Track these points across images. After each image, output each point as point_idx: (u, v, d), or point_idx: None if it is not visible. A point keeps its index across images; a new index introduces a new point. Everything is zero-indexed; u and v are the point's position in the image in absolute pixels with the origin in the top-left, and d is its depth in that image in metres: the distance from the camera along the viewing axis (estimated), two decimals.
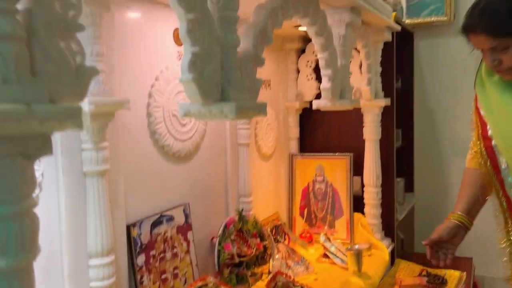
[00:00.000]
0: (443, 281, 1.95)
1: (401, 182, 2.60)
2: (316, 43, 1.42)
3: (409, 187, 2.78)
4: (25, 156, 0.51)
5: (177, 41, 1.52)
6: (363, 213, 2.18)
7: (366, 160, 2.12)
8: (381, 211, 2.15)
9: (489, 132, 1.28)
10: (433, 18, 2.58)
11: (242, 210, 1.72)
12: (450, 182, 2.74)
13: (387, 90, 2.13)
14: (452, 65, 2.62)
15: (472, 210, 1.35)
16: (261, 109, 0.96)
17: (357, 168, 2.19)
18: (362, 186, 2.19)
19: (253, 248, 1.69)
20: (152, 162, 1.43)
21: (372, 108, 2.05)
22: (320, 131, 2.35)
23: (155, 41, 1.43)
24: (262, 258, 1.80)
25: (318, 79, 2.22)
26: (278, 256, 1.77)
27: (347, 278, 1.74)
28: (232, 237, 1.63)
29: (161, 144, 1.45)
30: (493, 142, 1.27)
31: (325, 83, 1.49)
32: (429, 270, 2.08)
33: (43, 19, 0.55)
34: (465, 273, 2.10)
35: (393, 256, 2.22)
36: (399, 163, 2.46)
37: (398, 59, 2.30)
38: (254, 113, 0.94)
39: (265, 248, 1.80)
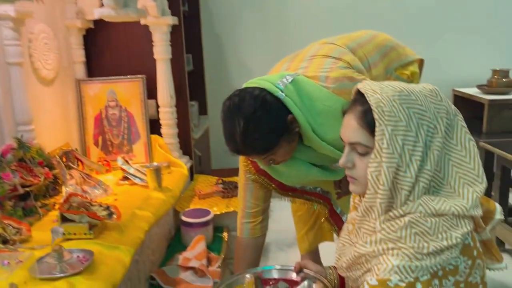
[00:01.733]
0: (235, 186, 2.15)
1: (195, 105, 2.70)
2: None
3: (202, 111, 2.91)
4: None
5: None
6: (160, 135, 2.20)
7: (159, 81, 2.11)
8: (177, 131, 2.21)
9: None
10: None
11: (22, 136, 1.52)
12: None
13: (173, 10, 2.11)
14: None
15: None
16: None
17: (151, 92, 2.17)
18: (157, 108, 2.19)
19: (41, 177, 1.53)
20: None
21: (160, 26, 2.01)
22: (108, 54, 2.21)
23: None
24: (54, 188, 1.66)
25: None
26: (71, 182, 1.66)
27: (148, 193, 1.76)
28: (13, 166, 1.44)
29: None
30: None
31: None
32: (224, 178, 2.27)
33: None
34: None
35: (192, 172, 2.34)
36: (192, 87, 2.54)
37: None
38: None
39: (55, 177, 1.65)
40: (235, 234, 1.98)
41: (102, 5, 2.04)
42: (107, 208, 1.44)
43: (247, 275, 1.15)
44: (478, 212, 0.83)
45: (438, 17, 2.87)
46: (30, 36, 1.74)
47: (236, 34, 2.87)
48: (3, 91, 1.57)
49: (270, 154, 1.19)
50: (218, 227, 2.00)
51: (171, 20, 2.03)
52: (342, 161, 0.88)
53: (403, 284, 0.77)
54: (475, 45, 2.91)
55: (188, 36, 2.50)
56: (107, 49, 2.20)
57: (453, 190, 0.83)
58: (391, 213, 0.81)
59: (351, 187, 0.91)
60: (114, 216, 1.41)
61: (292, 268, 1.15)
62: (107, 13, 1.44)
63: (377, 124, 0.81)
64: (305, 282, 1.10)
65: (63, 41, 2.02)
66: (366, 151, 0.84)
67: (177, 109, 2.21)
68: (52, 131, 1.91)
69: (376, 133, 0.81)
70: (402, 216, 0.80)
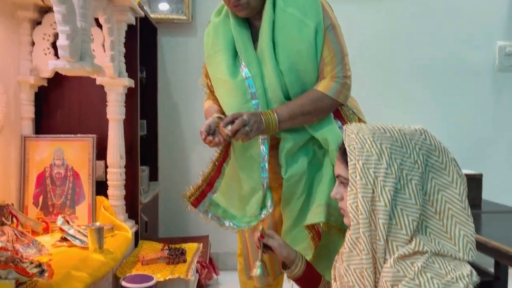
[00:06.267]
0: (182, 252, 2.07)
1: (146, 170, 2.65)
2: None
3: (153, 177, 2.86)
4: None
5: None
6: (106, 196, 2.12)
7: (110, 140, 2.07)
8: (124, 193, 2.14)
9: None
10: (174, 16, 2.78)
11: None
12: (191, 169, 2.96)
13: (130, 74, 2.15)
14: (191, 62, 2.86)
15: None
16: None
17: (100, 153, 2.12)
18: (106, 169, 2.14)
19: None
20: None
21: (116, 87, 2.04)
22: (59, 112, 2.18)
23: None
24: None
25: (58, 55, 2.06)
26: (2, 239, 1.53)
27: (87, 254, 1.65)
28: None
29: None
30: None
31: (63, 41, 1.41)
32: (171, 245, 2.18)
33: None
34: (201, 244, 2.30)
35: (137, 238, 2.23)
36: (144, 153, 2.51)
37: (143, 52, 2.37)
38: None
39: None
40: None
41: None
42: (39, 265, 1.33)
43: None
44: (473, 257, 0.88)
45: None
46: None
47: (192, 103, 2.93)
48: None
49: None
50: None
51: (128, 81, 2.06)
52: (332, 193, 1.01)
53: None
54: None
55: (144, 103, 2.52)
56: (58, 107, 2.17)
57: (445, 229, 0.90)
58: (401, 252, 0.85)
59: (345, 220, 1.01)
60: (46, 274, 1.30)
61: None
62: (62, 65, 1.45)
63: (348, 160, 0.92)
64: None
65: (13, 96, 1.99)
66: (347, 183, 0.94)
67: (127, 171, 2.16)
68: None
69: (349, 167, 0.92)
70: (411, 254, 0.85)
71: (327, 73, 1.34)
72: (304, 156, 1.38)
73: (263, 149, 1.36)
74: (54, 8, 1.36)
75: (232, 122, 1.28)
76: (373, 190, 0.87)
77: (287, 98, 1.36)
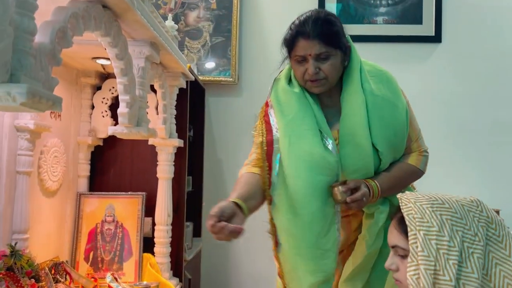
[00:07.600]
0: None
1: (190, 226, 2.69)
2: (116, 67, 1.45)
3: (197, 233, 2.89)
4: None
5: None
6: (152, 253, 2.16)
7: (158, 198, 2.14)
8: (170, 250, 2.17)
9: (274, 136, 1.38)
10: (221, 78, 2.92)
11: (16, 244, 1.50)
12: None
13: (180, 134, 2.25)
14: (236, 120, 2.97)
15: (249, 201, 1.32)
16: (57, 101, 0.92)
17: (148, 210, 2.19)
18: (153, 226, 2.19)
19: None
20: None
21: (166, 147, 2.13)
22: (112, 170, 2.29)
23: None
24: None
25: (114, 116, 2.20)
26: None
27: None
28: (0, 274, 1.39)
29: None
30: (274, 146, 1.37)
31: (123, 108, 1.51)
32: None
33: None
34: None
35: None
36: (189, 208, 2.57)
37: (191, 111, 2.49)
38: (48, 104, 0.89)
39: None
40: None
41: (115, 123, 2.21)
42: None
43: None
44: None
45: None
46: (42, 149, 1.83)
47: (236, 160, 2.99)
48: (7, 197, 1.60)
49: (325, 52, 1.27)
50: None
51: (178, 142, 2.16)
52: (387, 263, 0.98)
53: None
54: None
55: (191, 159, 2.61)
56: (112, 165, 2.29)
57: None
58: None
59: None
60: None
61: None
62: (120, 130, 1.55)
63: (408, 229, 0.90)
64: None
65: (72, 155, 2.12)
66: (405, 254, 0.93)
67: (172, 228, 2.21)
68: (45, 242, 1.88)
69: (410, 238, 0.90)
70: None
71: (414, 149, 1.42)
72: (384, 230, 1.35)
73: (338, 235, 1.33)
74: (117, 80, 1.48)
75: (354, 189, 1.27)
76: (435, 263, 0.86)
77: (375, 173, 1.37)
